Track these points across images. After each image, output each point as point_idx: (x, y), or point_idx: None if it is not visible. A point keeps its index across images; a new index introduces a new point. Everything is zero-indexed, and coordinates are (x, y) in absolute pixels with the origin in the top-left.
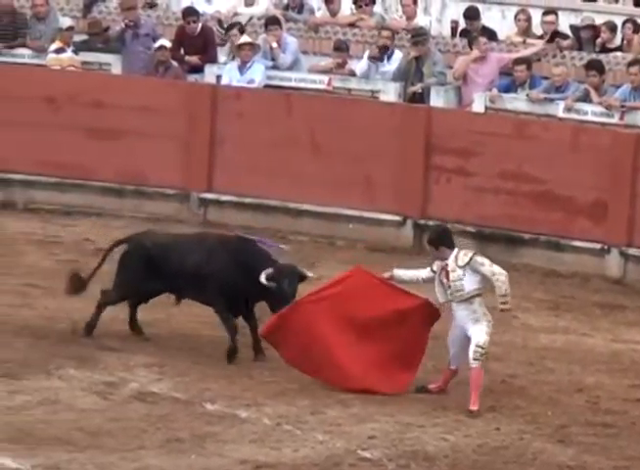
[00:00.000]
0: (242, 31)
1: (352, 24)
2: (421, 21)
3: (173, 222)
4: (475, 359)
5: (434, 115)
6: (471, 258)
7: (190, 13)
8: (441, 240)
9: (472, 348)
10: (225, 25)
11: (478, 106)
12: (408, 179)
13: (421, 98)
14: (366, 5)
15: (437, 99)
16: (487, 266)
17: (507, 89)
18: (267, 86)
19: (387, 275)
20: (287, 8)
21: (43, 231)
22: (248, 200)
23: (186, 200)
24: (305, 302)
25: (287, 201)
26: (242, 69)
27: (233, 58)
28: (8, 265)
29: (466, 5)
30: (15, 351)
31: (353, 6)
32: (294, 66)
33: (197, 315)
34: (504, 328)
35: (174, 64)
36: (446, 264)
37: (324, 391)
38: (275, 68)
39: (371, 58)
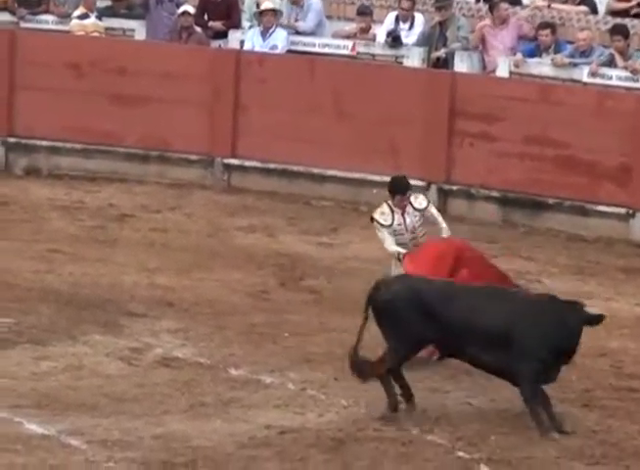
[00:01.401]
0: None
1: None
2: None
3: (197, 188)
4: None
5: (458, 80)
6: (428, 202)
7: None
8: (408, 185)
9: None
10: None
11: (502, 71)
12: (432, 144)
13: (445, 63)
14: None
15: (461, 64)
16: (435, 210)
17: (531, 54)
18: (291, 51)
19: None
20: None
21: (68, 197)
22: (272, 165)
23: (210, 165)
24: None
25: (311, 166)
26: (264, 34)
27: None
28: (33, 231)
29: None
30: (40, 316)
31: None
32: (317, 28)
33: (221, 280)
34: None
35: (198, 30)
36: (408, 209)
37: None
38: (296, 29)
39: (387, 36)
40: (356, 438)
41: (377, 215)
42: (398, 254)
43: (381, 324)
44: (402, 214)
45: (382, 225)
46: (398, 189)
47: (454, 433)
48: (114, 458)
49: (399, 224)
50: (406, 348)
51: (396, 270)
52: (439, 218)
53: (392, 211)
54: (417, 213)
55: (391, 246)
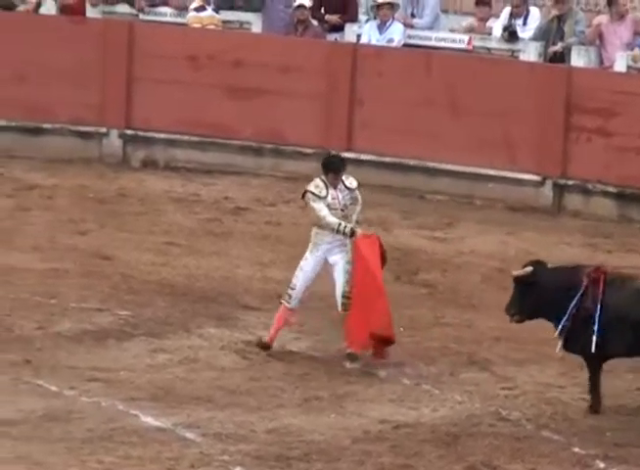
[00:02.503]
0: None
1: None
2: None
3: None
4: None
5: (574, 74)
6: (358, 184)
7: None
8: (344, 165)
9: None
10: None
11: (619, 65)
12: (548, 139)
13: (562, 58)
14: None
15: (578, 59)
16: (359, 195)
17: None
18: (407, 45)
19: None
20: None
21: (184, 189)
22: (387, 159)
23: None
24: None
25: (425, 160)
26: (381, 28)
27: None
28: (149, 224)
29: None
30: (156, 309)
31: None
32: (434, 21)
33: None
34: None
35: (314, 23)
36: (340, 186)
37: (463, 353)
38: (412, 26)
39: (504, 30)
40: (471, 433)
41: (312, 188)
42: (340, 225)
43: None
44: (335, 191)
45: (318, 197)
46: (334, 167)
47: (569, 428)
48: (228, 452)
49: (333, 198)
50: None
51: (320, 238)
52: (359, 205)
53: (327, 186)
54: (347, 192)
55: (329, 217)
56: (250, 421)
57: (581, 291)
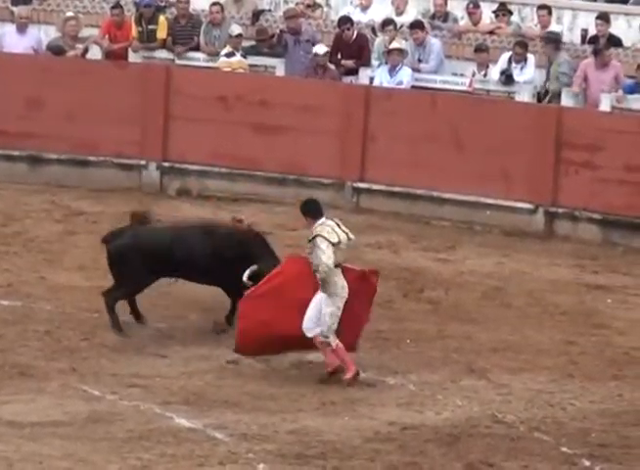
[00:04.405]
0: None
1: (492, 32)
2: (554, 29)
3: (329, 208)
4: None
5: (564, 113)
6: (314, 237)
7: (345, 21)
8: (306, 209)
9: (321, 328)
10: (378, 33)
11: (604, 105)
12: (540, 171)
13: (553, 98)
14: (504, 15)
15: (567, 100)
16: (319, 251)
17: (632, 90)
18: (415, 87)
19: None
20: (433, 17)
21: (214, 215)
22: (396, 188)
23: (341, 188)
24: (253, 296)
25: (431, 190)
26: (391, 72)
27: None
28: None
29: (595, 15)
30: (189, 322)
31: (493, 15)
32: (439, 66)
33: None
34: (627, 306)
35: (331, 67)
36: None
37: (463, 362)
38: (419, 70)
39: (501, 74)
40: (470, 434)
41: (324, 233)
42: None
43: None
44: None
45: (330, 242)
46: (316, 212)
47: (558, 430)
48: (253, 450)
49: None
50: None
51: (334, 280)
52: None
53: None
54: (309, 244)
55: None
56: (272, 423)
57: None
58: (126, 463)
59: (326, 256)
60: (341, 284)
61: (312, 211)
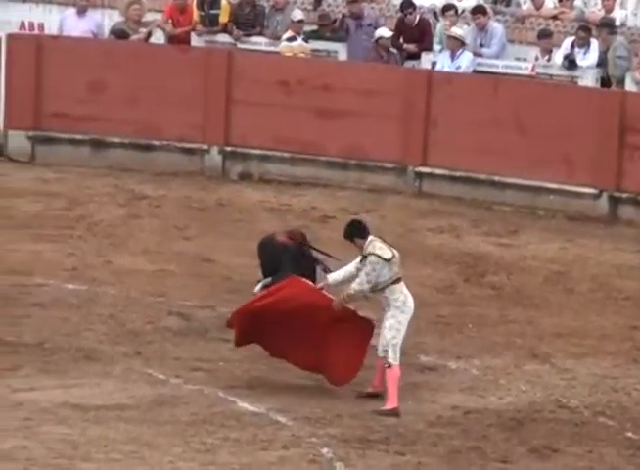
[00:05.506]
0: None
1: (554, 17)
2: (617, 14)
3: (391, 193)
4: (383, 357)
5: (628, 98)
6: (365, 256)
7: (408, 5)
8: (351, 233)
9: (380, 343)
10: (439, 18)
11: None
12: (604, 156)
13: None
14: None
15: (631, 84)
16: (365, 269)
17: None
18: (477, 72)
19: (320, 285)
20: (496, 2)
21: (276, 200)
22: (458, 173)
23: (403, 173)
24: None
25: (493, 174)
26: (452, 56)
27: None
28: (245, 230)
29: None
30: None
31: (556, 0)
32: (501, 50)
33: (412, 276)
34: None
35: (394, 51)
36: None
37: (526, 347)
38: (481, 55)
39: (564, 59)
40: (533, 418)
41: (378, 251)
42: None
43: None
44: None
45: (385, 261)
46: (344, 236)
47: (623, 415)
48: (316, 434)
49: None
50: None
51: (397, 294)
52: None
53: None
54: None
55: (347, 268)
56: (336, 407)
57: None
58: (190, 447)
59: (368, 278)
60: (402, 299)
61: (359, 230)
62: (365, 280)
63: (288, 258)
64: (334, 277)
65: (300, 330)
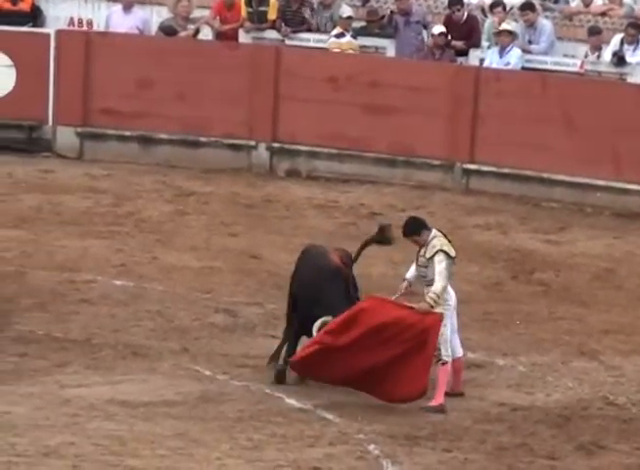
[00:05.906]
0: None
1: (603, 14)
2: None
3: (438, 190)
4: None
5: None
6: (434, 254)
7: (456, 2)
8: (416, 228)
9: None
10: (487, 15)
11: None
12: None
13: None
14: None
15: None
16: (439, 267)
17: None
18: (526, 68)
19: (404, 285)
20: None
21: (323, 196)
22: (506, 170)
23: (450, 170)
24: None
25: (541, 171)
26: (501, 53)
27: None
28: (292, 227)
29: None
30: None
31: None
32: (550, 47)
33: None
34: None
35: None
36: (420, 249)
37: (574, 344)
38: (529, 52)
39: (613, 56)
40: (581, 415)
41: (445, 248)
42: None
43: None
44: (418, 252)
45: (451, 258)
46: (405, 234)
47: None
48: (363, 431)
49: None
50: None
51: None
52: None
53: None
54: (424, 260)
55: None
56: (383, 404)
57: None
58: (237, 443)
59: (447, 273)
60: (445, 297)
61: (419, 225)
62: (445, 276)
63: (340, 286)
64: (410, 275)
65: (364, 355)
